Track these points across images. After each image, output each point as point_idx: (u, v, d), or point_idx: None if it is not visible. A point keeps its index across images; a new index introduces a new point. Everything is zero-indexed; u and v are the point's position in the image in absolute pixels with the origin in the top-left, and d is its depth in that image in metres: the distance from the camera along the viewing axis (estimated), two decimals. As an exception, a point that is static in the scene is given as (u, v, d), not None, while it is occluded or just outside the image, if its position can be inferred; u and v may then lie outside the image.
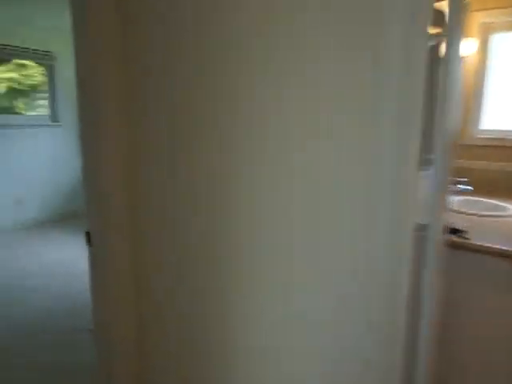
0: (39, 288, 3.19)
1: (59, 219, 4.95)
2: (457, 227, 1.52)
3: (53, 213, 4.92)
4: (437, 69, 0.89)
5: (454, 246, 1.44)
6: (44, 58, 4.70)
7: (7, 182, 4.45)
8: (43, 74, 4.93)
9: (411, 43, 0.80)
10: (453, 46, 0.86)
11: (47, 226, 4.72)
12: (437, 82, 0.89)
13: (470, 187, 1.89)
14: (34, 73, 5.14)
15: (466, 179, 1.90)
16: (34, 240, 4.28)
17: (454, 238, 1.48)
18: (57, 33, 4.58)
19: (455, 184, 1.88)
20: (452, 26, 0.85)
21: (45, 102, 4.98)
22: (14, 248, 4.04)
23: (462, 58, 0.99)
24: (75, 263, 3.66)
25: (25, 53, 4.52)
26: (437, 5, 0.84)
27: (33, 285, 3.25)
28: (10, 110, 4.76)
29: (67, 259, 3.76)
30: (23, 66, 5.14)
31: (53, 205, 4.91)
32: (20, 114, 4.86)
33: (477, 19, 2.19)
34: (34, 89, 5.07)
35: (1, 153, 4.36)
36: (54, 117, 4.90)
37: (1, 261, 3.70)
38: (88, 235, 1.47)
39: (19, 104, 4.93)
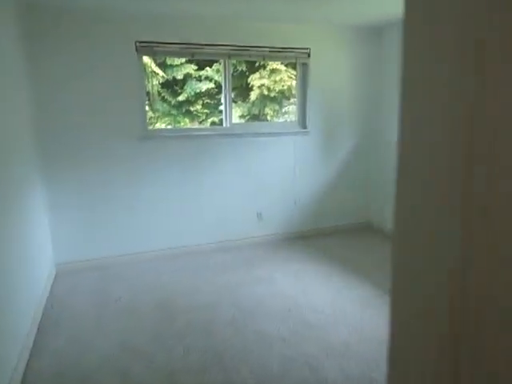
0: (271, 334, 2.71)
1: (297, 238, 4.50)
2: None
3: (291, 230, 4.50)
4: None
5: None
6: (299, 57, 4.19)
7: (251, 195, 4.27)
8: (293, 78, 4.59)
9: None
10: None
11: (284, 246, 4.33)
12: None
13: None
14: (284, 77, 4.91)
15: None
16: (270, 261, 3.96)
17: None
18: (310, 26, 4.08)
19: None
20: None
21: (291, 108, 4.65)
22: (247, 270, 3.79)
23: None
24: (312, 300, 3.07)
25: (280, 53, 4.08)
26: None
27: (263, 330, 2.80)
28: (259, 118, 4.65)
29: (303, 293, 3.22)
30: (274, 71, 4.97)
31: (292, 221, 4.49)
32: (268, 121, 4.70)
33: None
34: (282, 94, 4.84)
35: (247, 163, 4.18)
36: (303, 123, 4.43)
37: (235, 284, 3.46)
38: None
39: (268, 111, 4.78)
